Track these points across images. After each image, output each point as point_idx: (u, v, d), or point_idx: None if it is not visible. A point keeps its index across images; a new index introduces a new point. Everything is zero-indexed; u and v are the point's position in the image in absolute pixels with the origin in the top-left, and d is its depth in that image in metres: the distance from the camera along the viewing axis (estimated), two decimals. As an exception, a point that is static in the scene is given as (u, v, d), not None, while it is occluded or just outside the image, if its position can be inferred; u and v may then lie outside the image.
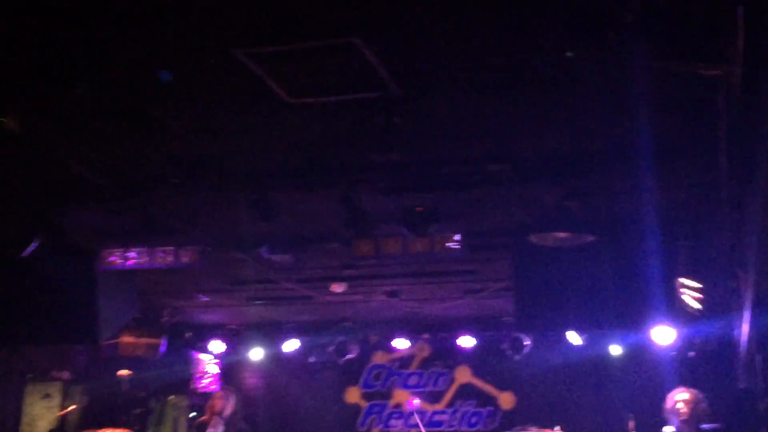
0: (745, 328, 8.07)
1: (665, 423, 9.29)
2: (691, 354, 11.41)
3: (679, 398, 9.24)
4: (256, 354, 13.61)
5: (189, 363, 13.67)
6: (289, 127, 6.37)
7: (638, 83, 5.20)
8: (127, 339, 11.99)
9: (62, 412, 12.79)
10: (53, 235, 8.19)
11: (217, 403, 10.23)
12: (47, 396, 12.74)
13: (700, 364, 11.41)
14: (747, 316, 7.66)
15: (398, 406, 13.99)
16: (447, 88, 5.66)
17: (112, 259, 8.42)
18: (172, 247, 8.37)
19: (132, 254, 8.33)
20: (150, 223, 7.81)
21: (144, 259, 8.34)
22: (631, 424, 9.82)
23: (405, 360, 13.98)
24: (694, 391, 9.31)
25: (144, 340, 12.15)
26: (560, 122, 6.21)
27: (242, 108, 6.07)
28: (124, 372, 12.61)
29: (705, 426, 9.19)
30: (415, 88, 5.65)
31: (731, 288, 8.49)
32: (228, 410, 10.15)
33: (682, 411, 9.14)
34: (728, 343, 9.81)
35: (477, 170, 7.02)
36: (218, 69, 5.46)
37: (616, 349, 12.16)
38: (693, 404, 9.17)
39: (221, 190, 7.55)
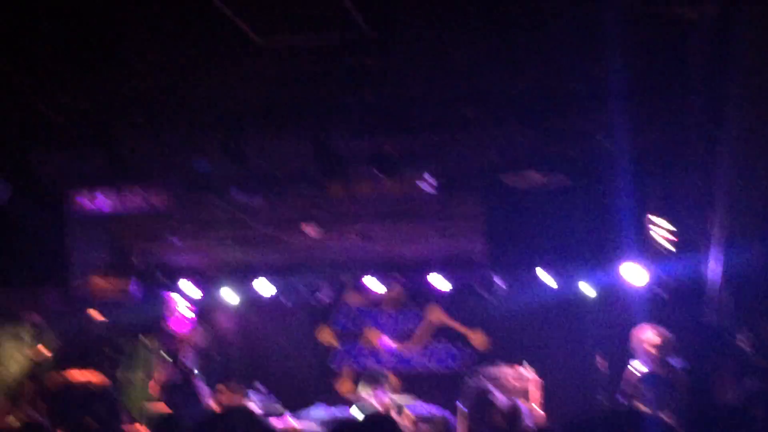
0: (715, 266, 8.13)
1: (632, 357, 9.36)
2: (662, 292, 11.50)
3: (648, 339, 9.25)
4: (228, 296, 13.61)
5: (160, 305, 13.63)
6: (261, 68, 6.31)
7: (611, 23, 5.17)
8: (97, 281, 11.94)
9: (33, 354, 12.76)
10: (22, 178, 8.12)
11: (188, 335, 10.19)
12: (18, 338, 12.70)
13: (671, 303, 11.51)
14: (717, 254, 7.72)
15: (370, 345, 14.07)
16: (419, 30, 5.61)
17: (81, 201, 8.34)
18: (141, 190, 8.30)
19: (101, 197, 8.25)
20: (119, 165, 7.74)
21: (114, 202, 8.27)
22: (602, 362, 9.93)
23: (377, 300, 14.03)
24: (662, 331, 9.36)
25: (115, 282, 12.10)
26: (533, 64, 6.19)
27: (212, 48, 6.01)
28: (95, 313, 12.58)
29: (672, 361, 9.27)
30: (388, 29, 5.59)
31: (702, 227, 8.54)
32: (199, 340, 10.07)
33: (653, 353, 9.19)
34: (699, 282, 9.88)
35: (450, 111, 7.00)
36: (187, 8, 5.39)
37: (587, 288, 12.24)
38: (662, 345, 9.24)
39: (191, 132, 7.48)
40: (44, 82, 6.64)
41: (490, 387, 9.47)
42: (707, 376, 9.70)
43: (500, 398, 9.20)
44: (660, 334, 9.23)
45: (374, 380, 11.13)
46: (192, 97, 6.95)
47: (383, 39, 5.65)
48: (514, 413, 9.02)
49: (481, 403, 9.01)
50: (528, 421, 9.17)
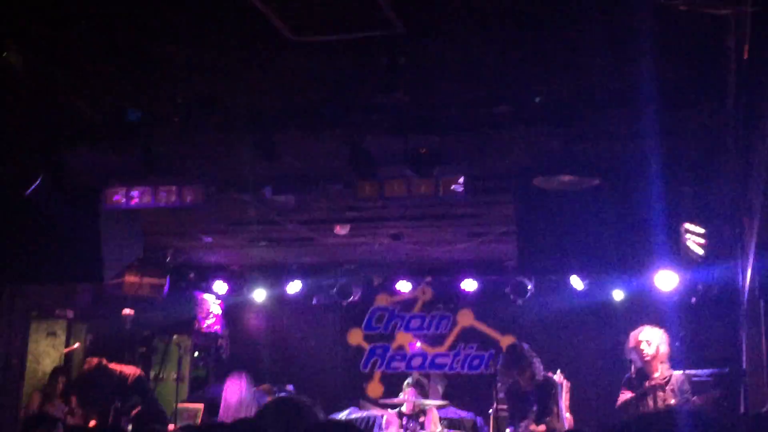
0: (748, 274, 8.06)
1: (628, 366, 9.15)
2: (694, 300, 11.40)
3: (645, 337, 9.08)
4: (259, 295, 13.64)
5: (192, 303, 13.70)
6: (294, 66, 6.33)
7: (644, 24, 5.14)
8: (130, 278, 12.03)
9: (67, 350, 12.88)
10: (57, 174, 8.19)
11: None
12: (52, 334, 12.81)
13: (703, 310, 11.42)
14: (751, 262, 7.65)
15: (400, 348, 14.06)
16: (453, 29, 5.61)
17: (116, 197, 8.39)
18: (175, 188, 8.34)
19: (135, 193, 8.30)
20: (152, 163, 7.79)
21: (148, 198, 8.31)
22: (633, 368, 9.82)
23: (407, 303, 14.02)
24: (660, 331, 9.17)
25: (148, 280, 12.18)
26: (565, 65, 6.16)
27: (246, 46, 6.03)
28: (127, 311, 12.66)
29: (692, 371, 9.06)
30: (421, 28, 5.60)
31: (735, 234, 8.47)
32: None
33: (645, 351, 9.00)
34: (731, 289, 9.80)
35: (482, 112, 6.99)
36: (223, 6, 5.42)
37: (618, 294, 12.17)
38: (658, 344, 9.03)
39: (224, 130, 7.52)
40: (80, 80, 6.70)
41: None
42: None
43: (537, 363, 9.02)
44: (659, 335, 9.04)
45: (407, 384, 11.17)
46: (226, 96, 6.99)
47: (417, 38, 5.66)
48: (546, 383, 8.84)
49: (516, 354, 8.73)
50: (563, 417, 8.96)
